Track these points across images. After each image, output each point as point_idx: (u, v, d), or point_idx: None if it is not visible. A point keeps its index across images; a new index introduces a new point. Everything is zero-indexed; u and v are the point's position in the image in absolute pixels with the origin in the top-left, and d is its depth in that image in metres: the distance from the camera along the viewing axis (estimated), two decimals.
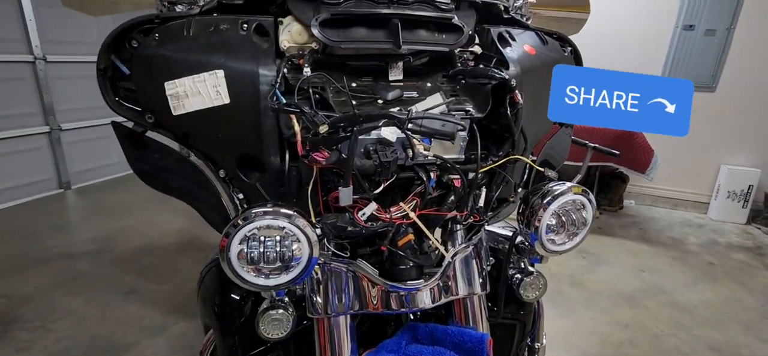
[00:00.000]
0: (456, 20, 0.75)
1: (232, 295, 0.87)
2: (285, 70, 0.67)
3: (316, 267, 0.71)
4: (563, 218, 0.71)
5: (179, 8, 0.75)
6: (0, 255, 2.48)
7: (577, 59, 0.94)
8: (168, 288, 2.20)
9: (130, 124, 0.74)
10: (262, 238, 0.56)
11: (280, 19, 0.72)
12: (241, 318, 0.86)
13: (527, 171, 0.89)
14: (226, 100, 0.65)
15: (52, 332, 1.86)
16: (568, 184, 0.70)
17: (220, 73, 0.65)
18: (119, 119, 0.74)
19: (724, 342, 1.96)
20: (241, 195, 0.74)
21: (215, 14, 0.71)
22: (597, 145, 2.15)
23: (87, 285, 2.22)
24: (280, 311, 0.66)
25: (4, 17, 3.10)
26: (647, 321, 2.09)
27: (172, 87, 0.66)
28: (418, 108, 0.69)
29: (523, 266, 0.82)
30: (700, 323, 2.09)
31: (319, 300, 0.72)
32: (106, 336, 1.84)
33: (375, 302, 0.73)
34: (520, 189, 0.87)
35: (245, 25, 0.68)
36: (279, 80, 0.64)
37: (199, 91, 0.66)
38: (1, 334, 1.83)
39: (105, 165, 3.94)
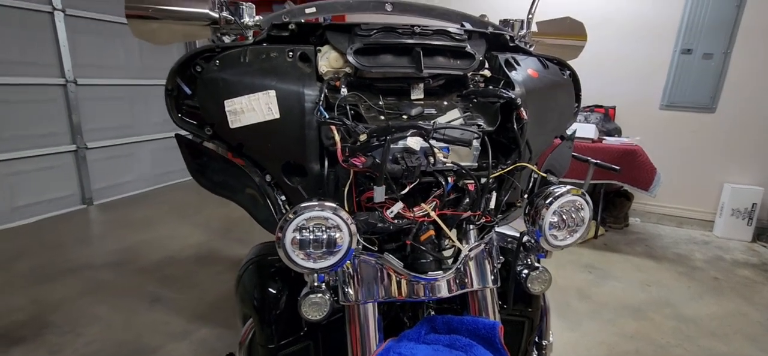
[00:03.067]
0: (469, 48, 0.88)
1: (270, 289, 0.98)
2: (326, 91, 0.80)
3: (348, 260, 0.82)
4: (564, 217, 0.81)
5: (227, 39, 0.89)
6: (29, 265, 2.61)
7: (575, 81, 1.06)
8: (190, 297, 2.30)
9: (190, 136, 0.86)
10: (310, 227, 0.68)
11: (319, 47, 0.86)
12: (278, 309, 0.96)
13: (532, 178, 1.00)
14: (277, 115, 0.77)
15: (82, 336, 1.96)
16: (568, 187, 0.81)
17: (272, 92, 0.77)
18: (182, 132, 0.86)
19: (729, 353, 2.00)
20: (283, 197, 0.85)
21: (265, 44, 0.84)
22: (598, 161, 2.25)
23: (112, 293, 2.33)
24: (319, 295, 0.77)
25: (42, 43, 3.33)
26: (653, 332, 2.14)
27: (230, 104, 0.78)
28: (440, 120, 0.82)
29: (529, 262, 0.92)
30: (706, 335, 2.14)
31: (351, 290, 0.82)
32: (133, 341, 1.94)
33: (399, 291, 0.83)
34: (525, 195, 0.98)
35: (291, 53, 0.82)
36: (322, 99, 0.77)
37: (253, 108, 0.78)
38: (34, 337, 1.94)
39: (126, 182, 4.10)
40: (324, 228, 0.68)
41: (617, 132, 3.59)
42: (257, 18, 0.92)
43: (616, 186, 3.39)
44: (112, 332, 2.00)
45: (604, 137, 3.38)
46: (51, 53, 3.39)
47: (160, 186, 4.36)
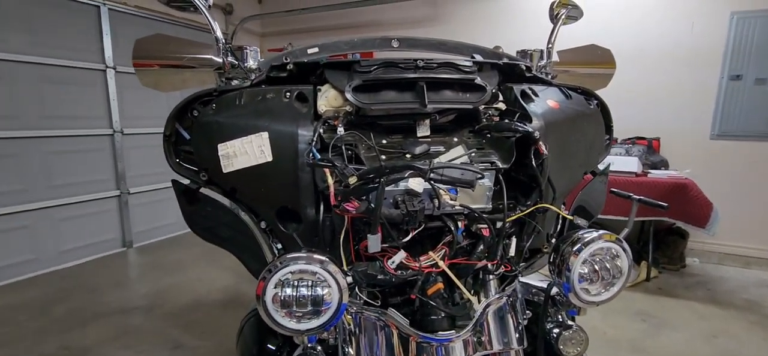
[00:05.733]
0: (478, 80, 0.81)
1: (269, 345, 0.91)
2: (322, 130, 0.75)
3: (349, 317, 0.73)
4: (596, 267, 0.69)
5: (235, 82, 0.87)
6: (66, 309, 2.69)
7: (604, 111, 0.95)
8: (211, 344, 2.26)
9: (187, 182, 0.83)
10: (295, 283, 0.60)
11: (318, 86, 0.82)
12: None
13: (560, 221, 0.89)
14: (269, 158, 0.73)
15: None
16: (600, 232, 0.69)
17: (265, 134, 0.73)
18: (178, 178, 0.84)
19: None
20: (279, 246, 0.79)
21: (263, 86, 0.82)
22: (642, 197, 2.05)
23: (138, 339, 2.34)
24: None
25: (95, 99, 3.62)
26: None
27: (223, 148, 0.75)
28: (440, 160, 0.74)
29: (560, 319, 0.79)
30: None
31: (351, 350, 0.73)
32: None
33: (406, 354, 0.73)
34: (552, 240, 0.86)
35: (288, 93, 0.78)
36: (315, 139, 0.72)
37: (246, 151, 0.74)
38: None
39: (163, 225, 4.26)
40: (310, 284, 0.60)
41: (664, 165, 3.31)
42: (261, 61, 0.91)
43: (668, 224, 3.08)
44: None
45: (650, 171, 3.13)
46: (102, 106, 3.67)
47: None
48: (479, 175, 0.69)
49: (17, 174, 3.16)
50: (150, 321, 2.53)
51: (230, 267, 3.37)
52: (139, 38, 0.86)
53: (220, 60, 0.87)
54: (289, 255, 0.60)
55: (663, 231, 3.25)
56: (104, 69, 3.64)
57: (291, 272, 0.59)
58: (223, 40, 0.87)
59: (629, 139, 3.46)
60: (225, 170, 0.75)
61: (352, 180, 0.63)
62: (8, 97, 3.07)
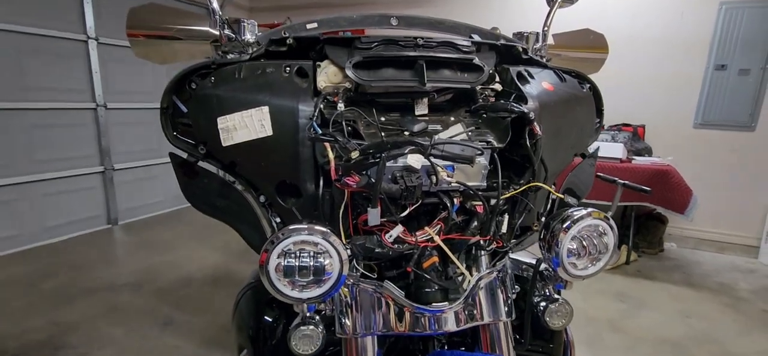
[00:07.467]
0: (476, 61, 0.82)
1: (266, 318, 0.93)
2: (321, 106, 0.75)
3: (346, 289, 0.75)
4: (584, 243, 0.72)
5: (231, 56, 0.86)
6: (53, 285, 2.66)
7: (596, 95, 0.98)
8: (202, 320, 2.28)
9: (184, 155, 0.83)
10: (297, 253, 0.62)
11: (318, 62, 0.82)
12: (274, 339, 0.90)
13: (550, 200, 0.92)
14: (270, 133, 0.73)
15: None
16: (589, 210, 0.72)
17: (266, 108, 0.74)
18: (175, 151, 0.84)
19: None
20: (278, 219, 0.80)
21: (262, 60, 0.81)
22: (626, 182, 2.11)
23: (128, 316, 2.34)
24: (311, 327, 0.70)
25: (76, 71, 3.50)
26: None
27: (223, 121, 0.75)
28: (440, 137, 0.75)
29: (547, 293, 0.83)
30: None
31: (348, 321, 0.76)
32: None
33: (401, 324, 0.75)
34: (542, 218, 0.89)
35: (288, 68, 0.78)
36: (316, 114, 0.72)
37: (246, 125, 0.75)
38: None
39: (150, 203, 4.20)
40: (312, 254, 0.62)
41: (647, 151, 3.40)
42: (259, 34, 0.90)
43: (648, 209, 3.18)
44: (124, 355, 1.98)
45: (634, 157, 3.21)
46: (84, 79, 3.56)
47: (182, 208, 4.43)
48: (479, 152, 0.71)
49: None
50: (139, 298, 2.53)
51: (220, 246, 3.37)
52: (133, 7, 0.85)
53: (217, 32, 0.86)
54: (291, 227, 0.62)
55: (643, 216, 3.36)
56: (86, 40, 3.52)
57: (294, 243, 0.61)
58: (220, 12, 0.86)
59: (615, 125, 3.53)
60: (224, 143, 0.75)
61: (354, 154, 0.64)
62: None
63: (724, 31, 3.26)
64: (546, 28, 1.05)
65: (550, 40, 1.08)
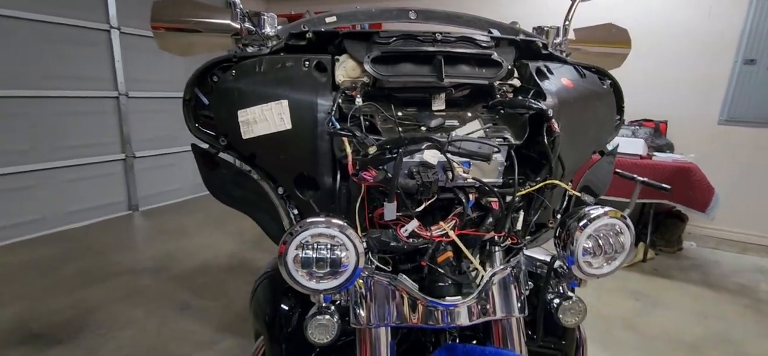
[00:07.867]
0: (495, 56, 0.82)
1: (282, 306, 0.95)
2: (340, 101, 0.76)
3: (360, 280, 0.76)
4: (600, 242, 0.72)
5: (250, 49, 0.87)
6: (75, 269, 2.76)
7: (617, 92, 0.96)
8: (218, 306, 2.34)
9: (205, 146, 0.86)
10: (315, 245, 0.63)
11: (337, 56, 0.83)
12: (290, 327, 0.92)
13: (566, 197, 0.91)
14: (289, 126, 0.74)
15: (115, 340, 2.03)
16: (606, 209, 0.72)
17: (285, 102, 0.75)
18: (197, 142, 0.86)
19: None
20: (295, 211, 0.82)
21: (282, 54, 0.82)
22: (646, 179, 2.07)
23: (147, 299, 2.41)
24: (327, 317, 0.72)
25: (99, 60, 3.59)
26: None
27: (243, 114, 0.77)
28: (457, 133, 0.75)
29: (561, 290, 0.83)
30: None
31: (362, 312, 0.77)
32: (161, 347, 1.98)
33: (414, 316, 0.76)
34: (558, 215, 0.89)
35: (307, 62, 0.79)
36: (335, 108, 0.73)
37: (266, 118, 0.76)
38: (73, 338, 2.03)
39: (169, 190, 4.31)
40: (329, 247, 0.63)
41: (669, 148, 3.32)
42: (279, 28, 0.91)
43: (667, 207, 3.11)
44: (143, 337, 2.06)
45: (655, 154, 3.14)
46: (107, 68, 3.65)
47: (200, 195, 4.53)
48: (496, 150, 0.71)
49: (22, 133, 3.17)
50: (158, 283, 2.61)
51: (236, 233, 3.44)
52: (157, 0, 0.86)
53: (238, 25, 0.87)
54: (309, 219, 0.63)
55: (663, 214, 3.29)
56: (108, 29, 3.60)
57: (311, 235, 0.62)
58: (241, 5, 0.87)
59: (636, 120, 3.45)
60: (244, 136, 0.77)
61: (372, 149, 0.65)
62: (13, 55, 3.05)
63: (755, 24, 3.14)
64: (567, 23, 1.03)
65: (571, 35, 1.06)
